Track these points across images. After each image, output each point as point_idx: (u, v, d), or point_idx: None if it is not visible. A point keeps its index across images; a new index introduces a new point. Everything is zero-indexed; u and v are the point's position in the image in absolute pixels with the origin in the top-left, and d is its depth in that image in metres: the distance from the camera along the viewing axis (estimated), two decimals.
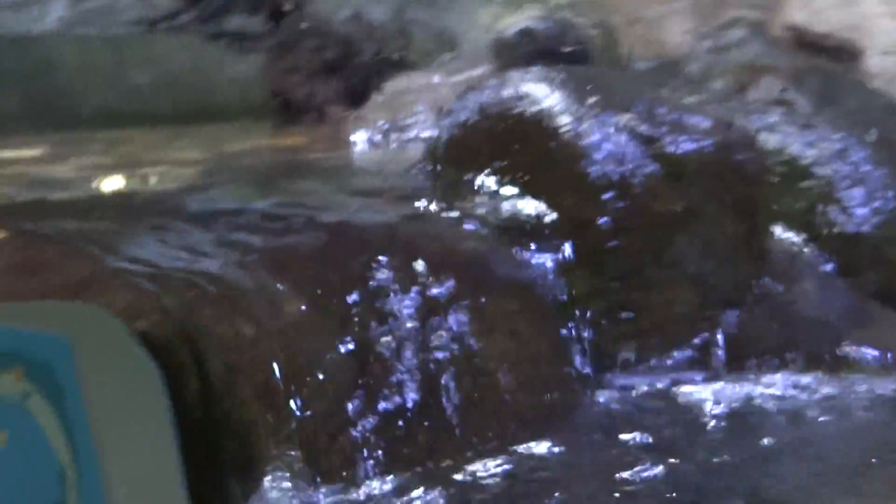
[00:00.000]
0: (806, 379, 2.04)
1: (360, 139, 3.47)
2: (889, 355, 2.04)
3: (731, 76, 3.06)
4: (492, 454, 1.74)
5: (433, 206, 2.10)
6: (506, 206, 2.09)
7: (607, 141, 2.06)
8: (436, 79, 3.61)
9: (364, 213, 2.03)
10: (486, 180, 2.14)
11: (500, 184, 2.12)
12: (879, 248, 2.30)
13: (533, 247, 2.04)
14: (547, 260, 2.03)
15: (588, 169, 2.04)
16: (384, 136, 3.42)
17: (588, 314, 2.03)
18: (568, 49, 2.63)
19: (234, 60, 4.08)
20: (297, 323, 1.71)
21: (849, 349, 2.06)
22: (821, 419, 1.94)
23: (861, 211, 2.30)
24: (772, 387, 2.03)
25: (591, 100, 2.11)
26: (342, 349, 1.71)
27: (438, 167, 2.22)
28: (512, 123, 2.15)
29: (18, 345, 1.50)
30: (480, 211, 2.10)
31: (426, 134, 3.17)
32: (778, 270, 2.22)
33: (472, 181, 2.15)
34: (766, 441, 1.84)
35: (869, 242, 2.29)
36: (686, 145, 2.07)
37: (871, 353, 2.05)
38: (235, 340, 1.62)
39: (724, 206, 2.12)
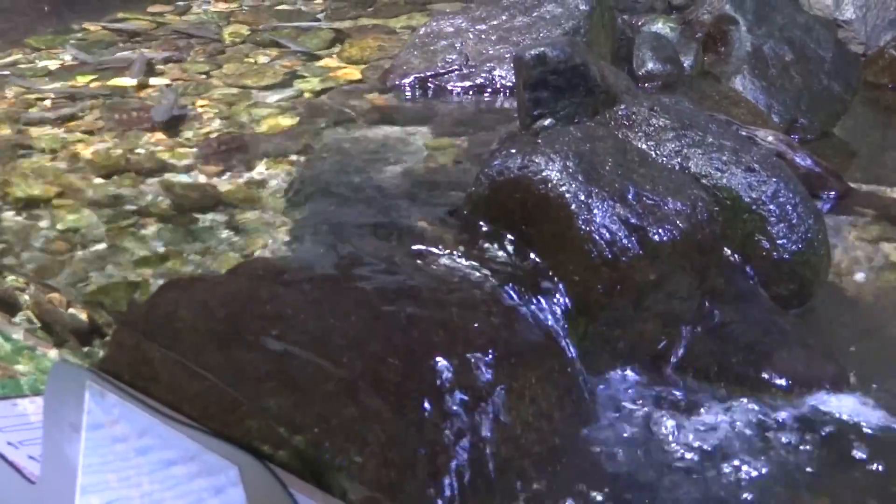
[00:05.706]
0: (731, 399, 2.70)
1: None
2: (793, 383, 2.68)
3: None
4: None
5: (476, 270, 2.73)
6: (529, 268, 2.75)
7: (606, 228, 2.73)
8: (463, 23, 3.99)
9: (427, 300, 2.48)
10: (516, 243, 2.75)
11: (527, 247, 2.72)
12: (794, 267, 2.94)
13: (549, 303, 2.71)
14: (557, 313, 2.73)
15: (591, 249, 2.65)
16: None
17: (584, 351, 2.71)
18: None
19: None
20: (394, 436, 2.13)
21: (765, 374, 2.69)
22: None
23: (783, 241, 2.98)
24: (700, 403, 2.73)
25: (596, 190, 2.79)
26: (426, 448, 2.19)
27: (478, 220, 2.84)
28: (539, 200, 2.68)
29: (200, 452, 1.80)
30: (510, 270, 2.75)
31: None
32: (720, 292, 2.95)
33: (503, 239, 2.78)
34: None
35: (787, 263, 2.95)
36: (662, 233, 2.67)
37: (780, 379, 2.68)
38: (349, 467, 2.00)
39: (685, 271, 2.71)
